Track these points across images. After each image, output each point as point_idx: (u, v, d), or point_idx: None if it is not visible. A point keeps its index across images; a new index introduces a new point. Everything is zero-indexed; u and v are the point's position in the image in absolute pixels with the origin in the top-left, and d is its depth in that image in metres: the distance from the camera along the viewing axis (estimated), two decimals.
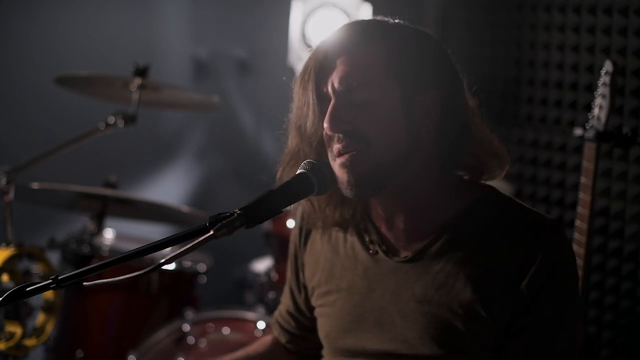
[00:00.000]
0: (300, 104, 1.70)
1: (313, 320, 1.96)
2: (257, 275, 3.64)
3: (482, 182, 1.76)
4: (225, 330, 2.94)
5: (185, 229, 1.56)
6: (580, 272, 1.74)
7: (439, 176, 1.72)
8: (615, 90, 2.43)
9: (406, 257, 1.74)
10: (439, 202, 1.72)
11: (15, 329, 2.34)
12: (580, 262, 2.42)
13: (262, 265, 3.71)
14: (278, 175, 1.78)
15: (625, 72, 3.07)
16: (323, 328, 1.87)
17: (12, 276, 2.37)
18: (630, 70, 3.07)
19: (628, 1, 3.07)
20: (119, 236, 3.39)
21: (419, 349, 1.70)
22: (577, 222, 2.50)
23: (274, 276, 3.39)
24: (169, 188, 4.27)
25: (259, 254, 3.87)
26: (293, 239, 1.97)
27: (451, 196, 1.73)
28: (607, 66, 2.45)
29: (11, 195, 2.52)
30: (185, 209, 3.24)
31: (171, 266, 3.09)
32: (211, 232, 1.48)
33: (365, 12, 3.77)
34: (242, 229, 1.52)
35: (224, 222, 1.49)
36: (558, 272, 1.64)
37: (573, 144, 3.35)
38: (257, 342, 2.10)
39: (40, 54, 3.78)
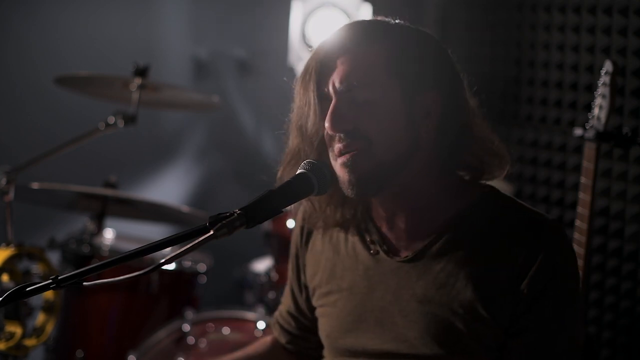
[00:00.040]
0: (301, 103, 1.70)
1: (313, 320, 1.96)
2: (257, 275, 3.64)
3: (483, 182, 1.76)
4: (225, 330, 2.94)
5: (185, 229, 1.56)
6: (580, 272, 1.73)
7: (439, 176, 1.72)
8: (615, 90, 2.43)
9: (407, 257, 1.74)
10: (439, 202, 1.72)
11: (15, 329, 2.34)
12: (580, 262, 2.42)
13: (262, 265, 3.71)
14: (279, 175, 1.79)
15: (625, 72, 3.07)
16: (324, 328, 1.87)
17: (12, 276, 2.37)
18: (630, 70, 3.06)
19: (628, 1, 3.07)
20: (119, 236, 3.39)
21: (419, 348, 1.70)
22: (577, 222, 2.50)
23: (274, 276, 3.39)
24: (169, 188, 4.27)
25: (259, 254, 3.87)
26: (294, 239, 1.97)
27: (452, 196, 1.73)
28: (607, 66, 2.45)
29: (11, 195, 2.52)
30: (185, 209, 3.24)
31: (171, 266, 3.09)
32: (211, 232, 1.48)
33: (365, 12, 3.77)
34: (242, 229, 1.52)
35: (224, 222, 1.49)
36: (559, 272, 1.64)
37: (573, 144, 3.35)
38: (256, 342, 2.09)
39: (40, 54, 3.78)
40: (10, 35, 3.71)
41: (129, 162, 4.07)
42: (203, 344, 2.87)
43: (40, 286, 1.50)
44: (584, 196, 2.49)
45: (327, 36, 1.70)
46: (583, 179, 2.50)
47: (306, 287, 1.95)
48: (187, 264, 3.18)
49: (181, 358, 2.81)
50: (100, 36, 3.94)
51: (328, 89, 1.66)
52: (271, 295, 3.38)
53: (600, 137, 2.45)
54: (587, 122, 2.51)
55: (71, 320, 3.07)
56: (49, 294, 2.47)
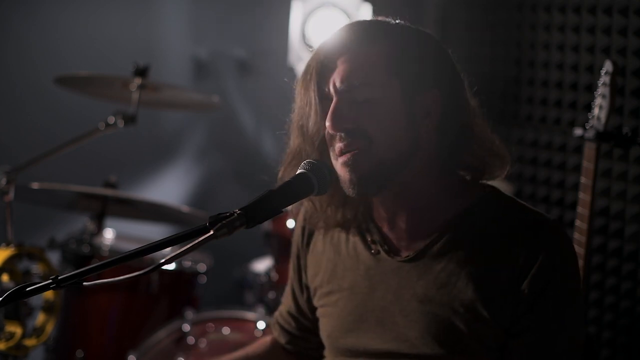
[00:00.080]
0: (302, 103, 1.70)
1: (314, 321, 1.96)
2: (257, 275, 3.64)
3: (484, 182, 1.76)
4: (225, 330, 2.94)
5: (185, 229, 1.56)
6: (580, 272, 1.73)
7: (439, 176, 1.72)
8: (615, 90, 2.43)
9: (408, 256, 1.74)
10: (440, 202, 1.73)
11: (15, 329, 2.34)
12: (580, 262, 2.42)
13: (262, 265, 3.71)
14: (280, 175, 1.79)
15: (625, 72, 3.07)
16: (325, 328, 1.87)
17: (12, 276, 2.37)
18: (630, 70, 3.06)
19: (628, 1, 3.07)
20: (119, 236, 3.39)
21: (420, 348, 1.70)
22: (577, 222, 2.50)
23: (274, 276, 3.39)
24: (169, 188, 4.27)
25: (259, 254, 3.87)
26: (295, 239, 1.97)
27: (452, 196, 1.73)
28: (607, 66, 2.45)
29: (11, 195, 2.52)
30: (185, 209, 3.24)
31: (171, 266, 3.09)
32: (211, 232, 1.48)
33: (365, 12, 3.77)
34: (242, 229, 1.51)
35: (224, 222, 1.49)
36: (559, 272, 1.64)
37: (573, 144, 3.35)
38: (256, 342, 2.09)
39: (40, 54, 3.78)
40: (10, 35, 3.71)
41: (129, 162, 4.07)
42: (203, 344, 2.87)
43: (40, 286, 1.50)
44: (584, 196, 2.49)
45: (328, 36, 1.70)
46: (583, 179, 2.50)
47: (307, 288, 1.95)
48: (187, 264, 3.18)
49: (181, 358, 2.81)
50: (100, 36, 3.94)
51: (329, 89, 1.67)
52: (271, 295, 3.38)
53: (600, 137, 2.45)
54: (587, 122, 2.51)
55: (71, 320, 3.07)
56: (49, 294, 2.47)
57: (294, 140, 1.77)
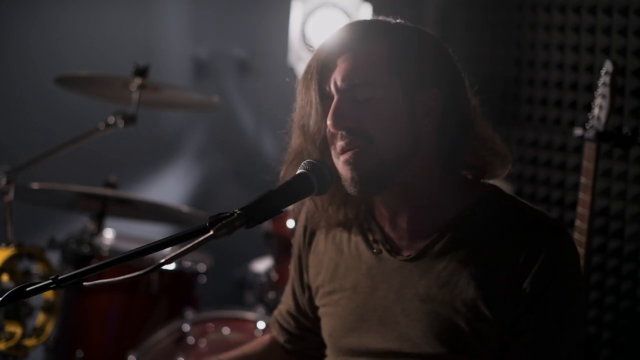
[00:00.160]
0: (303, 103, 1.71)
1: (314, 321, 1.96)
2: (257, 275, 3.64)
3: (485, 181, 1.76)
4: (225, 330, 2.94)
5: (185, 229, 1.56)
6: (582, 272, 1.73)
7: (440, 175, 1.72)
8: (615, 90, 2.43)
9: (409, 255, 1.74)
10: (441, 201, 1.73)
11: (15, 329, 2.34)
12: (580, 262, 2.42)
13: (262, 265, 3.71)
14: (281, 174, 1.79)
15: (625, 72, 3.06)
16: (327, 327, 1.87)
17: (12, 276, 2.37)
18: (630, 70, 3.06)
19: (628, 1, 3.07)
20: (119, 236, 3.39)
21: (422, 347, 1.70)
22: (577, 222, 2.50)
23: (274, 276, 3.39)
24: (169, 188, 4.27)
25: (259, 254, 3.87)
26: (297, 239, 1.97)
27: (454, 195, 1.73)
28: (607, 66, 2.45)
29: (11, 195, 2.52)
30: (185, 209, 3.24)
31: (171, 266, 3.09)
32: (211, 232, 1.48)
33: (365, 12, 3.77)
34: (242, 229, 1.51)
35: (224, 222, 1.49)
36: (561, 271, 1.64)
37: (573, 144, 3.34)
38: (254, 341, 2.09)
39: (40, 54, 3.78)
40: (10, 35, 3.71)
41: (129, 162, 4.07)
42: (203, 344, 2.87)
43: (40, 286, 1.50)
44: (584, 196, 2.49)
45: (329, 36, 1.70)
46: (583, 179, 2.50)
47: (309, 287, 1.95)
48: (187, 264, 3.18)
49: (181, 358, 2.81)
50: (100, 36, 3.94)
51: (330, 88, 1.67)
52: (271, 295, 3.38)
53: (600, 137, 2.45)
54: (587, 122, 2.51)
55: (71, 320, 3.07)
56: (49, 294, 2.47)
57: (295, 140, 1.77)
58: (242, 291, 3.87)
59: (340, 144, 1.66)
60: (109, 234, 3.33)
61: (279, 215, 1.60)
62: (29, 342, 2.40)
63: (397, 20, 1.72)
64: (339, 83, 1.66)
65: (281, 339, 2.03)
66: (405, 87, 1.65)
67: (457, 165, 1.73)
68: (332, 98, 1.66)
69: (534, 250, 1.64)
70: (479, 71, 3.73)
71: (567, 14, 3.34)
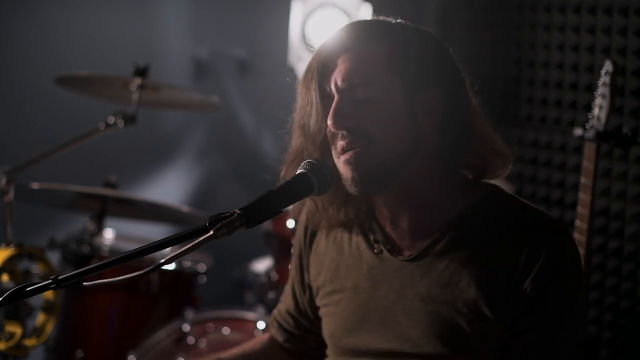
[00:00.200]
0: (304, 103, 1.71)
1: (313, 321, 1.96)
2: (257, 275, 3.64)
3: (486, 181, 1.76)
4: (225, 330, 2.94)
5: (185, 229, 1.56)
6: (582, 271, 1.73)
7: (441, 175, 1.72)
8: (615, 90, 2.43)
9: (410, 255, 1.74)
10: (442, 201, 1.73)
11: (15, 329, 2.34)
12: (581, 261, 2.42)
13: (262, 265, 3.71)
14: (282, 174, 1.79)
15: (625, 72, 3.06)
16: (327, 328, 1.87)
17: (12, 276, 2.37)
18: (630, 70, 3.06)
19: (628, 1, 3.07)
20: (119, 236, 3.39)
21: (423, 347, 1.70)
22: (577, 222, 2.50)
23: (274, 276, 3.39)
24: (169, 188, 4.27)
25: (259, 254, 3.87)
26: (298, 239, 1.97)
27: (455, 195, 1.73)
28: (607, 66, 2.45)
29: (11, 195, 2.52)
30: (185, 209, 3.24)
31: (171, 266, 3.09)
32: (211, 232, 1.48)
33: (365, 12, 3.77)
34: (242, 229, 1.51)
35: (224, 222, 1.49)
36: (562, 271, 1.64)
37: (573, 144, 3.34)
38: (254, 340, 2.09)
39: (40, 54, 3.78)
40: (10, 35, 3.72)
41: (129, 162, 4.07)
42: (203, 344, 2.87)
43: (40, 286, 1.50)
44: (584, 196, 2.49)
45: (329, 36, 1.70)
46: (583, 179, 2.50)
47: (310, 287, 1.95)
48: (187, 264, 3.18)
49: (181, 358, 2.81)
50: (100, 36, 3.95)
51: (330, 88, 1.67)
52: (271, 295, 3.38)
53: (600, 137, 2.45)
54: (587, 122, 2.51)
55: (71, 320, 3.07)
56: (49, 294, 2.47)
57: (295, 140, 1.77)
58: (242, 291, 3.87)
59: (340, 143, 1.66)
60: (109, 234, 3.33)
61: (279, 215, 1.60)
62: (29, 342, 2.40)
63: (398, 20, 1.73)
64: (339, 83, 1.66)
65: (280, 338, 2.03)
66: (406, 87, 1.65)
67: (458, 165, 1.73)
68: (333, 98, 1.67)
69: (535, 250, 1.64)
70: (479, 71, 3.73)
71: (567, 14, 3.34)
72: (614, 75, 2.43)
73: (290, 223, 3.20)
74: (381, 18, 1.74)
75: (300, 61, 3.75)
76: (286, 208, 1.60)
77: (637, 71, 3.05)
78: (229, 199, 4.36)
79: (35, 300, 2.37)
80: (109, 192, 3.03)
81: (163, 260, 1.45)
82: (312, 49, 1.74)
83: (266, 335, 2.08)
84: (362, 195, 1.71)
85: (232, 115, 4.40)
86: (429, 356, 1.70)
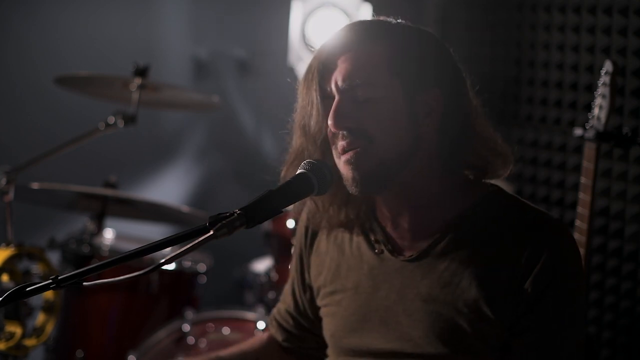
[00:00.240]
0: (304, 103, 1.71)
1: (313, 321, 1.96)
2: (257, 275, 3.64)
3: (487, 181, 1.77)
4: (225, 330, 2.94)
5: (185, 229, 1.56)
6: (583, 272, 1.73)
7: (441, 175, 1.72)
8: (615, 90, 2.43)
9: (411, 256, 1.74)
10: (443, 201, 1.73)
11: (15, 329, 2.34)
12: (582, 261, 2.42)
13: (262, 265, 3.71)
14: (282, 174, 1.79)
15: (625, 72, 3.06)
16: (328, 328, 1.87)
17: (12, 276, 2.37)
18: (630, 70, 3.06)
19: (628, 1, 3.07)
20: (119, 236, 3.39)
21: (424, 347, 1.70)
22: (577, 222, 2.50)
23: (274, 276, 3.39)
24: (169, 188, 4.27)
25: (259, 254, 3.87)
26: (298, 239, 1.97)
27: (455, 195, 1.73)
28: (607, 66, 2.45)
29: (11, 195, 2.52)
30: (185, 209, 3.24)
31: (171, 266, 3.09)
32: (211, 232, 1.48)
33: (365, 12, 3.77)
34: (242, 229, 1.51)
35: (224, 222, 1.49)
36: (562, 271, 1.64)
37: (573, 144, 3.34)
38: (253, 338, 2.09)
39: (40, 54, 3.78)
40: (10, 35, 3.72)
41: (129, 162, 4.07)
42: (203, 344, 2.87)
43: (40, 286, 1.50)
44: (584, 196, 2.49)
45: (329, 36, 1.71)
46: (583, 179, 2.50)
47: (310, 288, 1.95)
48: (187, 264, 3.18)
49: (181, 358, 2.81)
50: (100, 36, 3.95)
51: (330, 88, 1.67)
52: (271, 295, 3.38)
53: (600, 137, 2.45)
54: (587, 122, 2.51)
55: (71, 320, 3.07)
56: (49, 294, 2.47)
57: (296, 140, 1.77)
58: (242, 291, 3.87)
59: (341, 144, 1.66)
60: (109, 234, 3.33)
61: (279, 215, 1.60)
62: (29, 342, 2.40)
63: (398, 21, 1.73)
64: (339, 83, 1.66)
65: (279, 337, 2.03)
66: (406, 87, 1.65)
67: (459, 165, 1.73)
68: (333, 98, 1.67)
69: (536, 251, 1.64)
70: (479, 71, 3.73)
71: (567, 14, 3.34)
72: (614, 75, 2.43)
73: (290, 223, 3.20)
74: (381, 18, 1.74)
75: (300, 61, 3.75)
76: (286, 208, 1.60)
77: (637, 71, 3.05)
78: (229, 199, 4.36)
79: (35, 300, 2.37)
80: (109, 192, 3.03)
81: (163, 260, 1.45)
82: (312, 49, 1.74)
83: (265, 334, 2.08)
84: (363, 195, 1.71)
85: (232, 115, 4.40)
86: (429, 356, 1.70)
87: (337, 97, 1.66)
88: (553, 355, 1.65)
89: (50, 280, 1.49)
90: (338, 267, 1.86)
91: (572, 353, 1.67)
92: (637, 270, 3.11)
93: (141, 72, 2.83)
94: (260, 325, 2.91)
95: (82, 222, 3.29)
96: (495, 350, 1.68)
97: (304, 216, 1.94)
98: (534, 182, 3.54)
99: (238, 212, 1.51)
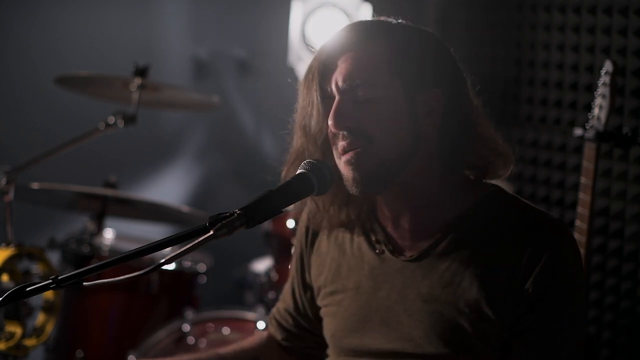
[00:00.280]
0: (305, 103, 1.71)
1: (312, 322, 1.96)
2: (257, 275, 3.64)
3: (487, 181, 1.76)
4: (225, 330, 2.94)
5: (185, 229, 1.56)
6: (583, 272, 1.73)
7: (441, 175, 1.72)
8: (615, 90, 2.43)
9: (412, 256, 1.74)
10: (442, 201, 1.73)
11: (15, 329, 2.34)
12: (582, 261, 2.42)
13: (262, 265, 3.71)
14: (283, 174, 1.79)
15: (625, 72, 3.07)
16: (329, 328, 1.87)
17: (12, 276, 2.37)
18: (630, 70, 3.06)
19: (628, 1, 3.07)
20: (119, 236, 3.39)
21: (425, 348, 1.70)
22: (577, 222, 2.50)
23: (274, 276, 3.39)
24: (169, 188, 4.27)
25: (259, 254, 3.87)
26: (299, 238, 1.97)
27: (456, 195, 1.73)
28: (607, 66, 2.45)
29: (11, 195, 2.52)
30: (185, 209, 3.24)
31: (171, 266, 3.09)
32: (211, 232, 1.48)
33: (365, 12, 3.77)
34: (242, 229, 1.51)
35: (224, 222, 1.49)
36: (562, 272, 1.64)
37: (573, 144, 3.35)
38: (252, 337, 2.09)
39: (40, 54, 3.78)
40: (10, 35, 3.71)
41: (129, 162, 4.07)
42: (203, 344, 2.87)
43: (40, 286, 1.50)
44: (584, 196, 2.49)
45: (330, 36, 1.71)
46: (583, 179, 2.50)
47: (311, 288, 1.95)
48: (187, 264, 3.18)
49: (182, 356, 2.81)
50: (100, 36, 3.95)
51: (331, 88, 1.67)
52: (271, 295, 3.38)
53: (600, 137, 2.45)
54: (587, 122, 2.51)
55: (71, 320, 3.07)
56: (49, 294, 2.47)
57: (297, 140, 1.78)
58: (242, 291, 3.88)
59: (341, 144, 1.66)
60: (109, 234, 3.33)
61: (279, 215, 1.60)
62: (29, 342, 2.40)
63: (398, 21, 1.73)
64: (340, 83, 1.66)
65: (279, 336, 2.03)
66: (407, 87, 1.65)
67: (459, 165, 1.73)
68: (334, 98, 1.67)
69: (537, 251, 1.64)
70: (479, 71, 3.73)
71: (567, 14, 3.34)
72: (614, 75, 2.43)
73: (290, 223, 3.20)
74: (382, 18, 1.74)
75: (300, 61, 3.75)
76: (286, 208, 1.60)
77: (637, 71, 3.05)
78: (229, 199, 4.36)
79: (35, 300, 2.37)
80: (109, 192, 3.03)
81: (163, 260, 1.45)
82: (312, 49, 1.74)
83: (265, 333, 2.08)
84: (363, 196, 1.71)
85: (232, 115, 4.40)
86: (430, 356, 1.70)
87: (337, 98, 1.66)
88: (553, 355, 1.65)
89: (50, 280, 1.49)
90: (339, 267, 1.86)
91: (572, 353, 1.67)
92: (637, 270, 3.11)
93: (141, 72, 2.83)
94: (260, 325, 2.91)
95: (82, 222, 3.29)
96: (495, 350, 1.68)
97: (304, 216, 1.94)
98: (534, 182, 3.54)
99: (238, 212, 1.51)
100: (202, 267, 3.22)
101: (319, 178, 1.64)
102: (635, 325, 3.14)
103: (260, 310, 2.96)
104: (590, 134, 2.47)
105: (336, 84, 1.66)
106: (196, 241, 1.47)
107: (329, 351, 1.89)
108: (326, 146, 1.73)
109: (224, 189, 4.46)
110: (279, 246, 3.36)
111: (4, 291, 2.23)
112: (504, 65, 3.74)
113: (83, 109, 3.53)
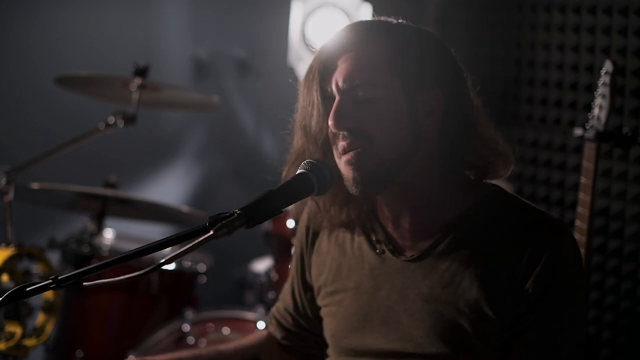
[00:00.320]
0: (305, 103, 1.71)
1: (312, 321, 1.96)
2: (257, 275, 3.64)
3: (488, 181, 1.77)
4: (225, 330, 2.94)
5: (185, 229, 1.56)
6: (583, 271, 1.73)
7: (441, 175, 1.72)
8: (615, 90, 2.43)
9: (412, 256, 1.74)
10: (442, 201, 1.73)
11: (15, 329, 2.34)
12: (582, 261, 2.42)
13: (262, 265, 3.71)
14: (284, 174, 1.80)
15: (625, 72, 3.07)
16: (329, 328, 1.87)
17: (12, 276, 2.37)
18: (630, 70, 3.06)
19: (628, 1, 3.07)
20: (119, 236, 3.39)
21: (425, 347, 1.70)
22: (577, 222, 2.50)
23: (274, 276, 3.39)
24: (169, 188, 4.27)
25: (259, 254, 3.87)
26: (299, 238, 1.97)
27: (456, 195, 1.73)
28: (607, 66, 2.45)
29: (11, 195, 2.52)
30: (185, 209, 3.24)
31: (171, 266, 3.09)
32: (211, 232, 1.48)
33: (365, 12, 3.77)
34: (242, 229, 1.52)
35: (224, 222, 1.49)
36: (563, 272, 1.64)
37: (573, 144, 3.35)
38: (252, 335, 2.09)
39: (40, 54, 3.78)
40: (10, 35, 3.71)
41: (129, 162, 4.07)
42: (203, 344, 2.87)
43: (40, 286, 1.50)
44: (584, 196, 2.49)
45: (330, 36, 1.71)
46: (583, 179, 2.50)
47: (311, 288, 1.95)
48: (187, 264, 3.18)
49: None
50: (100, 36, 3.95)
51: (331, 88, 1.68)
52: (271, 295, 3.38)
53: (600, 137, 2.45)
54: (587, 122, 2.51)
55: (71, 320, 3.07)
56: (49, 294, 2.47)
57: (297, 140, 1.78)
58: (242, 291, 3.88)
59: (342, 144, 1.66)
60: (109, 234, 3.33)
61: (279, 215, 1.60)
62: (29, 342, 2.40)
63: (399, 21, 1.73)
64: (340, 83, 1.66)
65: (278, 335, 2.03)
66: (407, 87, 1.65)
67: (459, 165, 1.73)
68: (334, 98, 1.67)
69: (537, 251, 1.64)
70: (479, 71, 3.73)
71: (567, 14, 3.34)
72: (614, 75, 2.43)
73: (290, 223, 3.20)
74: (382, 18, 1.74)
75: (300, 61, 3.75)
76: (286, 208, 1.60)
77: (637, 71, 3.05)
78: (229, 199, 4.36)
79: (35, 300, 2.37)
80: (109, 192, 3.03)
81: (163, 260, 1.45)
82: (312, 49, 1.75)
83: (265, 331, 2.08)
84: (363, 196, 1.72)
85: (232, 115, 4.40)
86: (431, 356, 1.70)
87: (337, 98, 1.66)
88: (553, 355, 1.65)
89: (50, 280, 1.49)
90: (339, 267, 1.86)
91: (572, 353, 1.67)
92: (637, 270, 3.11)
93: (141, 72, 2.83)
94: (260, 325, 2.91)
95: (82, 222, 3.29)
96: (495, 350, 1.68)
97: (305, 216, 1.95)
98: (534, 182, 3.54)
99: (238, 212, 1.51)
100: (202, 267, 3.22)
101: (319, 178, 1.64)
102: (635, 325, 3.14)
103: (260, 310, 2.96)
104: (590, 134, 2.47)
105: (336, 84, 1.66)
106: (196, 241, 1.47)
107: (329, 351, 1.89)
108: (326, 146, 1.73)
109: (224, 189, 4.46)
110: (279, 246, 3.36)
111: (4, 291, 2.23)
112: (504, 65, 3.74)
113: (83, 109, 3.53)
